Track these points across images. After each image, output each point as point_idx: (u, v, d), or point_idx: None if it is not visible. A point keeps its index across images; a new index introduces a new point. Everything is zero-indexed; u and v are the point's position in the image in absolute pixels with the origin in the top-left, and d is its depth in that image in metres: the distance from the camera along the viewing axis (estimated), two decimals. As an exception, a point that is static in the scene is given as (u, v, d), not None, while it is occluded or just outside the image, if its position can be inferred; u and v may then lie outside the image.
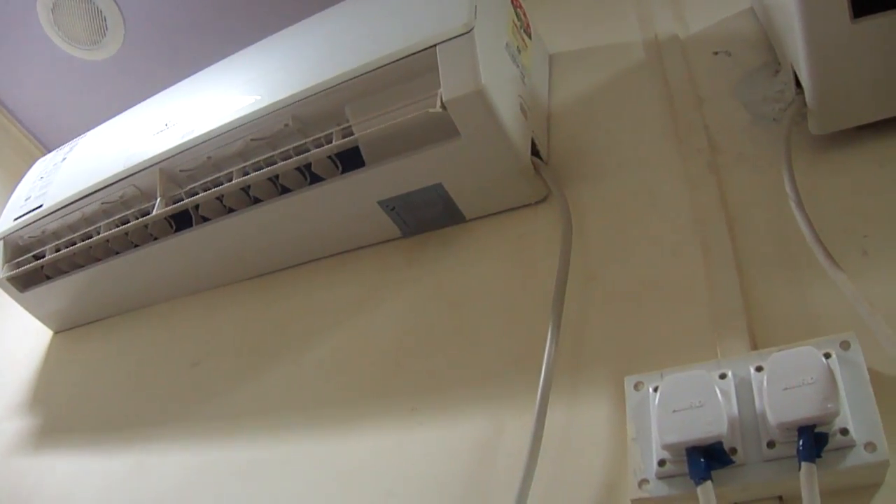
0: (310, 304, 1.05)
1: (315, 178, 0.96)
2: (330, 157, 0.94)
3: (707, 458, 0.61)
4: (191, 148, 1.01)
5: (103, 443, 1.06)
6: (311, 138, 0.93)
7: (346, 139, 0.91)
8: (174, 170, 1.03)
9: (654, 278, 0.81)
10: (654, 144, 0.93)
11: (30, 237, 1.18)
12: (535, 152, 0.93)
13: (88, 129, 1.27)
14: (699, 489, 0.60)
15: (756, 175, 0.83)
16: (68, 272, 1.18)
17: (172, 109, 1.11)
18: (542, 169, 0.92)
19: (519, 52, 0.96)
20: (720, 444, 0.61)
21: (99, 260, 1.15)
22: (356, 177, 0.93)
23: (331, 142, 0.92)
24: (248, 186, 0.99)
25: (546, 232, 0.91)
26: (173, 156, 1.02)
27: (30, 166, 1.30)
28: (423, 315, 0.93)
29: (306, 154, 0.93)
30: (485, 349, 0.86)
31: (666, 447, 0.62)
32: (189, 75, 1.17)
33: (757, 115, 0.88)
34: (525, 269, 0.90)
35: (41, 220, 1.15)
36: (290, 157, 0.95)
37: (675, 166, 0.89)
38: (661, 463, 0.63)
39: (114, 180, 1.08)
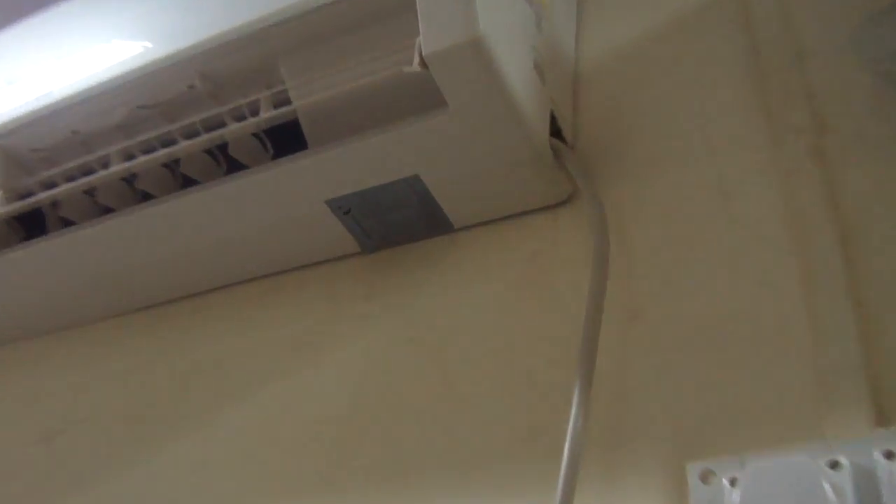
0: (225, 348, 1.05)
1: (234, 166, 0.96)
2: (256, 134, 0.94)
3: (812, 588, 0.60)
4: (46, 116, 1.01)
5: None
6: (229, 107, 0.93)
7: (281, 109, 0.91)
8: (21, 149, 1.04)
9: (729, 318, 0.81)
10: (731, 120, 0.92)
11: None
12: (555, 131, 0.93)
13: None
14: None
15: (881, 165, 0.83)
16: None
17: (16, 59, 1.10)
18: (566, 156, 0.92)
19: (533, -17, 0.96)
20: (831, 566, 0.60)
21: None
22: (294, 164, 0.93)
23: (258, 113, 0.92)
24: (134, 175, 0.99)
25: (570, 248, 0.92)
26: (18, 127, 1.02)
27: None
28: (391, 367, 0.93)
29: (221, 130, 0.93)
30: (480, 418, 0.86)
31: (751, 570, 0.62)
32: (41, 9, 1.16)
33: (883, 76, 0.88)
34: (540, 302, 0.90)
35: None
36: (198, 134, 0.95)
37: (762, 153, 0.88)
38: (743, 593, 0.63)
39: (-73, 164, 1.07)
